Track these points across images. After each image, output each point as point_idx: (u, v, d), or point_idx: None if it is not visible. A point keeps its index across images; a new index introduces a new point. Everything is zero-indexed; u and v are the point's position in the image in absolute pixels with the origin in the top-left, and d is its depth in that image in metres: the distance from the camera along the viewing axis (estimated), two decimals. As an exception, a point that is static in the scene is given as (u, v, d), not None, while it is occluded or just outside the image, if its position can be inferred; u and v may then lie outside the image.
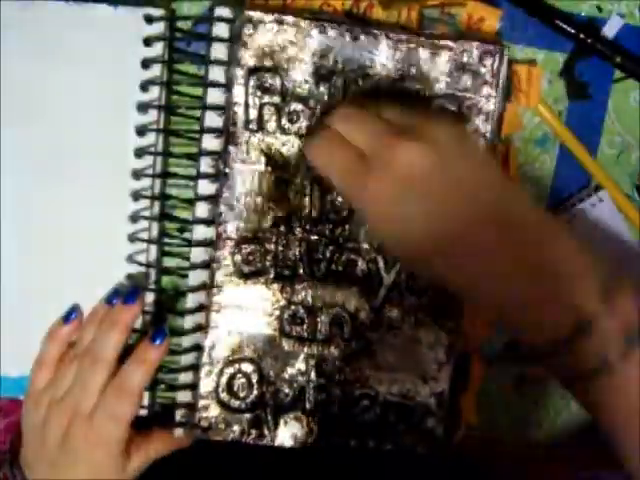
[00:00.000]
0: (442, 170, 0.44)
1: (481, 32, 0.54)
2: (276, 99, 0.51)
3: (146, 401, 0.54)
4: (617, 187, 0.58)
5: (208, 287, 0.53)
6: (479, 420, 0.57)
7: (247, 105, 0.51)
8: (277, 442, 0.54)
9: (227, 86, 0.51)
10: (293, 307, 0.53)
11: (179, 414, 0.54)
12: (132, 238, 0.53)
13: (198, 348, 0.53)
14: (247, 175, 0.52)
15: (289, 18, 0.51)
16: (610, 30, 0.56)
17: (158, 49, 0.52)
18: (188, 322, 0.53)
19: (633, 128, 0.57)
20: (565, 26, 0.55)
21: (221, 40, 0.51)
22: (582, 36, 0.55)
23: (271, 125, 0.52)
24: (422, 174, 0.43)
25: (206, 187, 0.52)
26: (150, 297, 0.54)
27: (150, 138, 0.52)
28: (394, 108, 0.47)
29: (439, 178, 0.44)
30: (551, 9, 0.55)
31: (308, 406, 0.54)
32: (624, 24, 0.56)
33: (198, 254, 0.53)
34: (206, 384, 0.53)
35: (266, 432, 0.54)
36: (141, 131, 0.52)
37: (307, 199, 0.52)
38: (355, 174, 0.45)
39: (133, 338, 0.53)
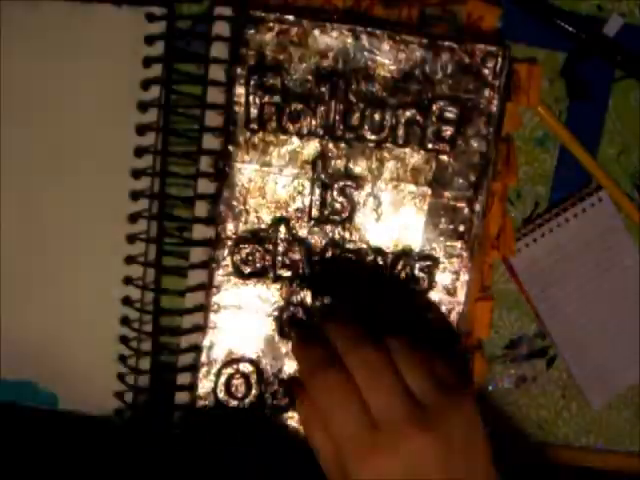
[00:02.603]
0: (445, 465, 0.43)
1: (481, 30, 0.53)
2: (277, 98, 0.51)
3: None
4: (617, 187, 0.58)
5: (207, 287, 0.53)
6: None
7: (248, 104, 0.51)
8: (275, 443, 0.54)
9: (228, 85, 0.51)
10: (292, 308, 0.53)
11: (177, 415, 0.54)
12: (131, 237, 0.53)
13: (196, 348, 0.53)
14: (247, 175, 0.52)
15: (290, 17, 0.50)
16: (610, 29, 0.56)
17: (160, 48, 0.52)
18: (186, 322, 0.53)
19: (633, 128, 0.57)
20: (565, 25, 0.55)
21: (222, 39, 0.51)
22: (582, 35, 0.55)
23: (272, 124, 0.51)
24: (427, 465, 0.43)
25: (206, 186, 0.52)
26: (150, 297, 0.54)
27: (150, 137, 0.52)
28: (398, 340, 0.46)
29: (438, 472, 0.43)
30: (551, 8, 0.55)
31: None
32: (624, 23, 0.56)
33: (197, 254, 0.53)
34: (204, 385, 0.53)
35: (265, 432, 0.54)
36: (141, 130, 0.52)
37: (307, 199, 0.52)
38: (360, 442, 0.44)
39: (133, 338, 0.53)
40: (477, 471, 0.45)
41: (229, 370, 0.53)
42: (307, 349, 0.49)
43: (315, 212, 0.52)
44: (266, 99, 0.51)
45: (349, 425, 0.44)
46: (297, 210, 0.52)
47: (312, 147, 0.52)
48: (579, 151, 0.57)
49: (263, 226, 0.52)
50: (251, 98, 0.51)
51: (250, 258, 0.53)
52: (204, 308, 0.53)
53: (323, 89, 0.51)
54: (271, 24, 0.51)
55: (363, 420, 0.44)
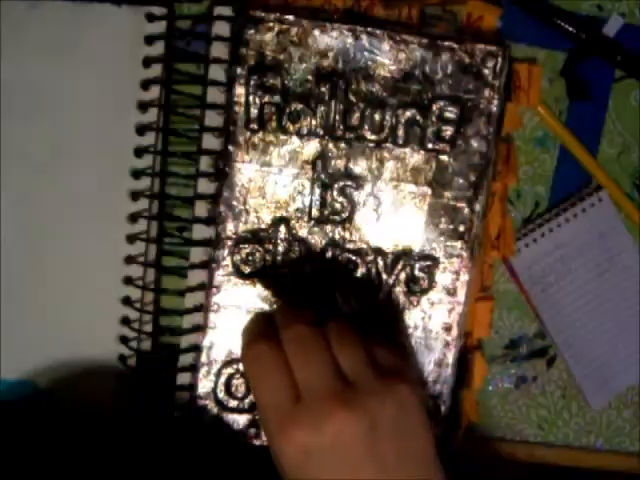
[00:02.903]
0: (369, 446, 0.42)
1: (481, 30, 0.53)
2: (277, 98, 0.51)
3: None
4: (617, 187, 0.58)
5: (207, 287, 0.53)
6: (479, 420, 0.58)
7: (248, 104, 0.51)
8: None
9: (228, 85, 0.51)
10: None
11: (177, 414, 0.54)
12: (131, 237, 0.53)
13: (196, 348, 0.53)
14: (247, 175, 0.52)
15: (290, 17, 0.50)
16: (610, 29, 0.56)
17: (160, 48, 0.52)
18: (186, 322, 0.53)
19: (633, 128, 0.57)
20: (565, 25, 0.55)
21: (222, 39, 0.51)
22: (582, 35, 0.55)
23: (272, 124, 0.51)
24: (349, 443, 0.42)
25: (206, 186, 0.52)
26: (150, 297, 0.54)
27: (150, 137, 0.52)
28: (337, 324, 0.46)
29: (361, 454, 0.42)
30: (551, 8, 0.55)
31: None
32: (624, 23, 0.56)
33: (197, 254, 0.53)
34: (204, 384, 0.53)
35: (264, 433, 0.54)
36: (141, 130, 0.52)
37: (307, 199, 0.52)
38: (281, 412, 0.43)
39: (134, 338, 0.53)
40: (410, 458, 0.43)
41: (229, 370, 0.53)
42: (250, 323, 0.49)
43: (315, 212, 0.52)
44: (266, 99, 0.51)
45: (272, 395, 0.44)
46: (297, 210, 0.52)
47: (312, 147, 0.52)
48: (579, 151, 0.57)
49: (263, 226, 0.52)
50: (251, 98, 0.51)
51: (250, 258, 0.53)
52: (204, 308, 0.53)
53: (323, 89, 0.51)
54: (271, 24, 0.51)
55: (287, 392, 0.43)
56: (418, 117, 0.52)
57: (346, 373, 0.44)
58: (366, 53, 0.51)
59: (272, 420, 0.44)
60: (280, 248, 0.53)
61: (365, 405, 0.42)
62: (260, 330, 0.47)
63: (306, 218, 0.53)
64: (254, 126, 0.51)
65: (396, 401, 0.43)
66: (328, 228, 0.53)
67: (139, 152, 0.52)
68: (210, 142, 0.52)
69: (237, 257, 0.52)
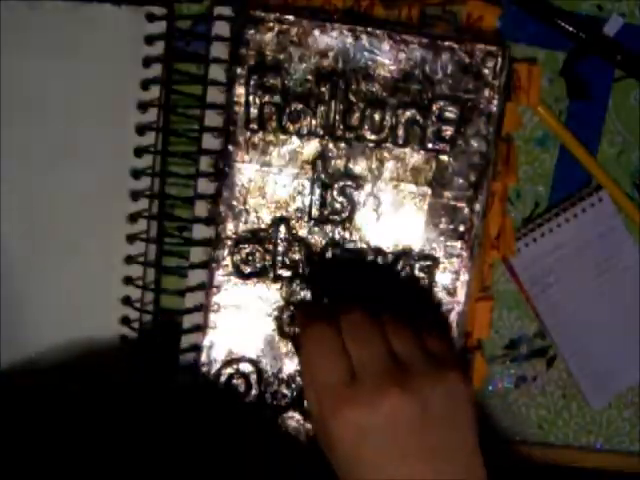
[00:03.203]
0: (419, 428, 0.43)
1: (481, 30, 0.53)
2: (277, 98, 0.51)
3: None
4: (617, 187, 0.58)
5: (207, 287, 0.53)
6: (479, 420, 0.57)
7: (248, 104, 0.51)
8: (275, 443, 0.54)
9: (228, 85, 0.51)
10: (292, 308, 0.53)
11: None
12: (131, 237, 0.53)
13: (196, 348, 0.53)
14: (247, 175, 0.52)
15: (290, 17, 0.50)
16: (610, 29, 0.56)
17: (159, 48, 0.52)
18: (186, 322, 0.53)
19: (633, 127, 0.57)
20: (565, 25, 0.55)
21: (222, 39, 0.51)
22: (582, 35, 0.55)
23: (272, 124, 0.51)
24: (400, 424, 0.43)
25: (206, 186, 0.52)
26: (150, 297, 0.54)
27: (150, 137, 0.52)
28: (392, 315, 0.47)
29: (410, 435, 0.43)
30: (551, 8, 0.55)
31: (307, 407, 0.54)
32: (624, 23, 0.56)
33: (197, 254, 0.53)
34: (204, 384, 0.53)
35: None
36: (141, 130, 0.52)
37: (307, 199, 0.52)
38: (336, 392, 0.44)
39: (133, 338, 0.53)
40: (453, 444, 0.44)
41: (229, 370, 0.53)
42: (307, 307, 0.51)
43: (315, 212, 0.52)
44: (266, 99, 0.51)
45: (329, 375, 0.45)
46: (297, 210, 0.52)
47: (312, 147, 0.52)
48: (579, 151, 0.57)
49: (263, 226, 0.52)
50: (251, 98, 0.51)
51: (250, 258, 0.53)
52: (204, 308, 0.53)
53: (323, 89, 0.51)
54: (271, 24, 0.51)
55: (344, 373, 0.44)
56: (418, 117, 0.52)
57: (400, 357, 0.45)
58: (366, 53, 0.51)
59: (326, 400, 0.44)
60: (280, 248, 0.53)
61: (418, 387, 0.43)
62: (319, 313, 0.48)
63: (306, 218, 0.53)
64: (254, 126, 0.51)
65: (447, 389, 0.44)
66: (328, 228, 0.53)
67: (139, 152, 0.52)
68: (210, 142, 0.52)
69: (237, 257, 0.52)
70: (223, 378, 0.53)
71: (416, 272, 0.53)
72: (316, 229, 0.53)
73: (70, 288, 0.53)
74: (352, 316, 0.46)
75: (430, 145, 0.52)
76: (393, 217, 0.53)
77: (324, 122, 0.52)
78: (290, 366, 0.53)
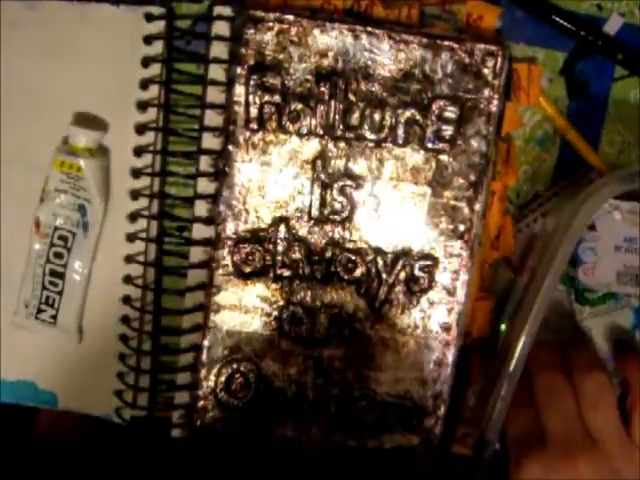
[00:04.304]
0: None
1: (480, 30, 0.53)
2: (277, 98, 0.51)
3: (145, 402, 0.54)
4: (617, 185, 0.57)
5: (207, 287, 0.53)
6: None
7: (247, 104, 0.51)
8: (275, 442, 0.54)
9: (228, 85, 0.51)
10: (292, 307, 0.53)
11: (177, 414, 0.54)
12: (131, 236, 0.53)
13: (196, 348, 0.53)
14: (247, 174, 0.52)
15: (290, 17, 0.50)
16: (610, 29, 0.56)
17: (159, 47, 0.52)
18: (186, 322, 0.53)
19: (633, 127, 0.57)
20: (565, 24, 0.55)
21: (222, 39, 0.51)
22: (582, 34, 0.55)
23: (271, 124, 0.51)
24: None
25: (205, 186, 0.52)
26: (150, 297, 0.53)
27: (149, 137, 0.52)
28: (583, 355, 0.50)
29: None
30: (551, 7, 0.55)
31: (307, 406, 0.54)
32: (624, 23, 0.56)
33: (197, 253, 0.53)
34: (204, 384, 0.53)
35: (264, 432, 0.54)
36: (140, 129, 0.52)
37: (307, 199, 0.52)
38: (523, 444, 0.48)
39: (134, 338, 0.53)
40: None
41: (229, 370, 0.53)
42: (543, 352, 0.52)
43: (315, 212, 0.52)
44: (266, 99, 0.51)
45: (519, 429, 0.49)
46: (297, 210, 0.52)
47: (312, 147, 0.52)
48: (582, 145, 0.56)
49: (263, 226, 0.52)
50: (251, 98, 0.51)
51: (250, 258, 0.53)
52: (204, 308, 0.53)
53: (323, 89, 0.51)
54: (271, 24, 0.51)
55: (574, 425, 0.47)
56: (418, 117, 0.52)
57: (593, 430, 0.47)
58: (366, 53, 0.51)
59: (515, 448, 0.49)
60: (280, 248, 0.53)
61: (608, 462, 0.46)
62: (553, 360, 0.51)
63: (306, 218, 0.52)
64: (254, 126, 0.51)
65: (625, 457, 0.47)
66: (328, 228, 0.53)
67: (139, 151, 0.52)
68: (210, 142, 0.52)
69: (237, 257, 0.52)
70: (223, 378, 0.53)
71: (416, 272, 0.53)
72: (316, 229, 0.53)
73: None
74: (548, 377, 0.50)
75: (430, 145, 0.52)
76: (393, 217, 0.53)
77: (324, 122, 0.52)
78: (290, 366, 0.53)
